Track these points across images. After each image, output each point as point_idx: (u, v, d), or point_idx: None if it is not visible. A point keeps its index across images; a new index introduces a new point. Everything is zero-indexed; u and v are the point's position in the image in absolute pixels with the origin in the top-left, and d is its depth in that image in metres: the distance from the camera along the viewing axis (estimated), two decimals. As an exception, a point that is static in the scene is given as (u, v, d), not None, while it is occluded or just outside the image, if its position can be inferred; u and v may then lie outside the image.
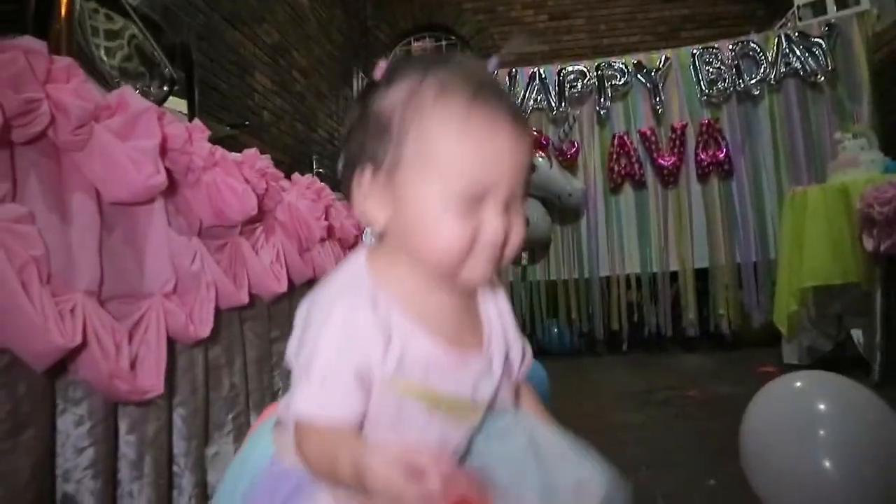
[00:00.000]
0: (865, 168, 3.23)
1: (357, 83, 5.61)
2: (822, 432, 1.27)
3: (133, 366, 1.07)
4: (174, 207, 1.29)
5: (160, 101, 1.69)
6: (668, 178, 4.43)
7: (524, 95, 4.65)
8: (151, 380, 1.10)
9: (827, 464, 1.23)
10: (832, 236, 3.08)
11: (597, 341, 4.59)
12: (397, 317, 0.64)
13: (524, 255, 4.56)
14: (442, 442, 0.67)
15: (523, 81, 4.69)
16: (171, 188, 1.25)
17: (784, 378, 1.48)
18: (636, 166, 4.47)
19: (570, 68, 4.65)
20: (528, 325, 4.62)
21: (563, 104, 4.59)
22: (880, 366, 2.80)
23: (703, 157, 4.39)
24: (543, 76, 4.65)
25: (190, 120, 1.90)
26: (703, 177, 4.40)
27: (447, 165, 0.61)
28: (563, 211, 4.55)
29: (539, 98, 4.64)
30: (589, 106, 4.62)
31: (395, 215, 0.65)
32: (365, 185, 0.65)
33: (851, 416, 1.28)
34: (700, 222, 4.41)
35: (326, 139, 5.05)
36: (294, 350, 0.65)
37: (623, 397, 2.86)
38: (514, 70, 4.73)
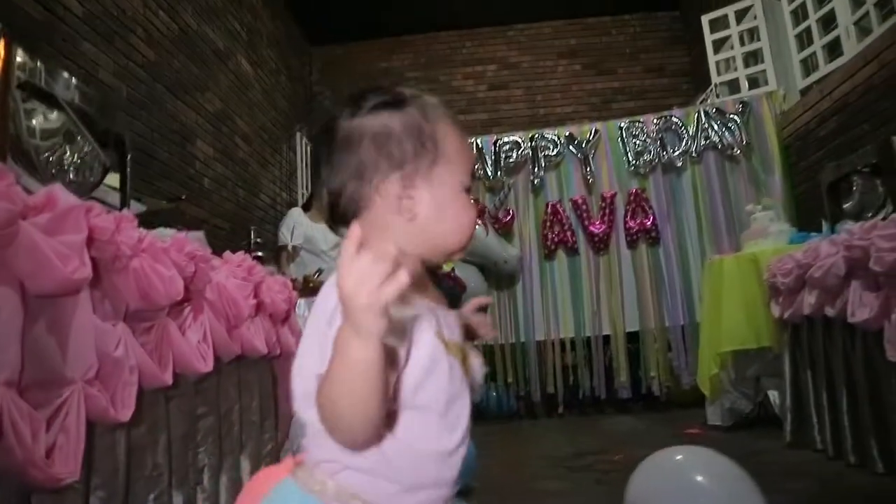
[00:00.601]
0: (773, 239, 3.48)
1: (301, 148, 5.72)
2: (695, 499, 1.37)
3: (49, 453, 1.10)
4: (101, 293, 1.34)
5: (95, 186, 1.76)
6: (599, 244, 4.63)
7: (462, 164, 4.82)
8: (68, 466, 1.13)
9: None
10: (746, 303, 3.29)
11: (534, 404, 4.67)
12: None
13: (463, 318, 4.65)
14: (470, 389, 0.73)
15: (462, 150, 4.87)
16: (98, 275, 1.30)
17: (662, 452, 1.59)
18: (569, 233, 4.66)
19: (505, 139, 4.87)
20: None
21: (499, 173, 4.79)
22: (791, 426, 2.96)
23: (631, 224, 4.62)
24: (480, 145, 4.85)
25: (122, 200, 1.95)
26: (631, 243, 4.63)
27: (464, 162, 0.79)
28: (499, 277, 4.69)
29: (476, 167, 4.83)
30: (523, 175, 4.84)
31: (430, 207, 0.75)
32: (396, 189, 0.74)
33: (720, 486, 1.40)
34: (630, 287, 4.61)
35: (269, 204, 5.11)
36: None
37: (552, 463, 2.93)
38: (452, 139, 4.91)
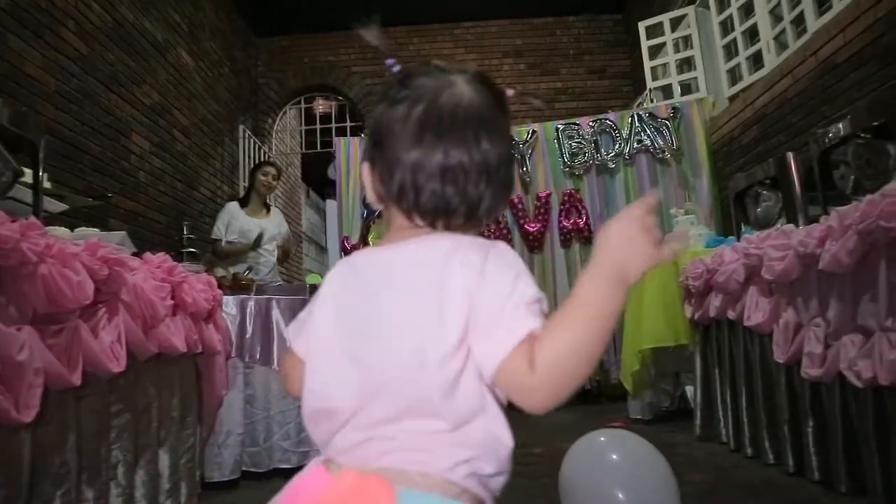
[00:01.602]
0: (693, 242, 3.66)
1: (244, 141, 5.71)
2: (617, 474, 1.54)
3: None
4: (6, 298, 1.38)
5: (5, 191, 1.79)
6: (534, 243, 4.77)
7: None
8: (-33, 467, 1.18)
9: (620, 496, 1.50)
10: (665, 303, 3.45)
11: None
12: None
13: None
14: None
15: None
16: (2, 282, 1.35)
17: (590, 434, 1.75)
18: (504, 231, 4.79)
19: (446, 137, 4.95)
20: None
21: (440, 170, 4.88)
22: (700, 420, 3.14)
23: (565, 224, 4.77)
24: (422, 143, 4.93)
25: (34, 204, 1.98)
26: (565, 242, 4.78)
27: None
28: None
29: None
30: (464, 173, 4.93)
31: None
32: None
33: (640, 465, 1.58)
34: (563, 284, 4.76)
35: (209, 197, 5.10)
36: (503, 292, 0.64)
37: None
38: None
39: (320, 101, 6.99)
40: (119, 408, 1.81)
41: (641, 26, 5.38)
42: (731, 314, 2.65)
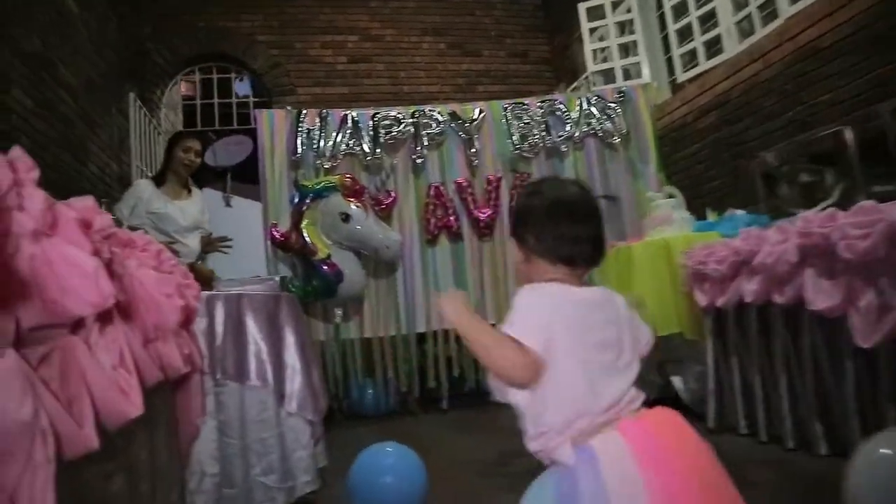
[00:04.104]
0: (679, 226, 3.45)
1: (134, 112, 4.82)
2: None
3: None
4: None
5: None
6: (484, 230, 4.39)
7: (336, 139, 4.33)
8: None
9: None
10: (657, 289, 3.21)
11: (418, 400, 4.33)
12: None
13: (338, 312, 4.18)
14: None
15: (334, 123, 4.37)
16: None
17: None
18: (452, 218, 4.36)
19: (383, 113, 4.44)
20: (341, 386, 4.22)
21: (378, 150, 4.36)
22: (715, 412, 2.93)
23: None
24: (356, 119, 4.38)
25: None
26: (517, 230, 4.43)
27: None
28: (377, 264, 4.27)
29: (352, 143, 4.36)
30: (404, 154, 4.45)
31: None
32: None
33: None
34: (514, 275, 4.42)
35: (98, 176, 4.21)
36: None
37: (486, 470, 2.62)
38: (324, 111, 4.40)
39: (214, 72, 6.14)
40: (111, 468, 1.19)
41: (582, 7, 5.16)
42: (777, 298, 2.42)
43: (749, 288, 2.56)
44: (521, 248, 1.18)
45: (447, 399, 4.32)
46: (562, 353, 1.05)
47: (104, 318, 1.12)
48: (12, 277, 0.76)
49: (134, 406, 1.06)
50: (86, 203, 1.03)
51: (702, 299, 2.90)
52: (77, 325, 1.03)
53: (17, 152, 0.78)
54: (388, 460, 2.00)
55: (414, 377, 4.32)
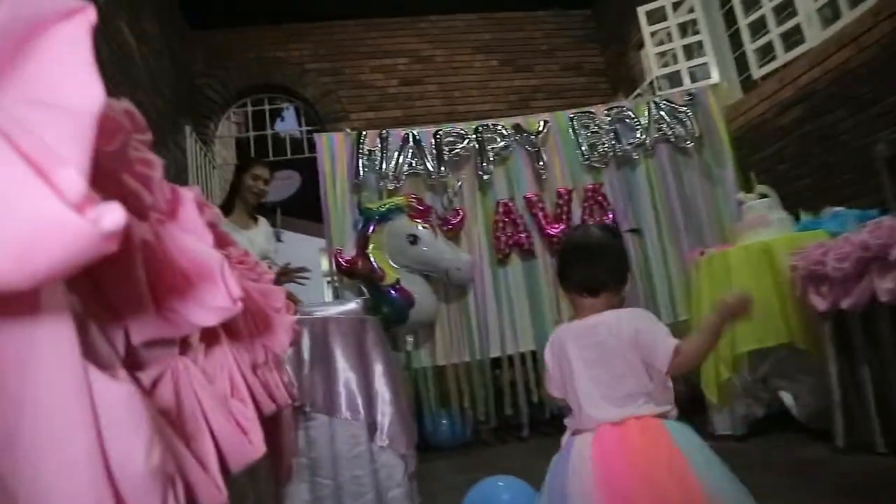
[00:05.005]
0: (777, 227, 3.18)
1: (191, 145, 4.77)
2: None
3: None
4: (82, 299, 0.58)
5: None
6: (558, 246, 4.16)
7: (398, 159, 4.19)
8: None
9: None
10: (760, 297, 2.91)
11: (495, 429, 4.09)
12: None
13: (409, 339, 3.98)
14: None
15: (396, 144, 4.23)
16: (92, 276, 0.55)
17: None
18: (523, 235, 4.15)
19: (446, 129, 4.29)
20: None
21: (443, 168, 4.20)
22: (843, 430, 2.61)
23: (590, 222, 4.19)
24: (418, 138, 4.24)
25: None
26: (593, 243, 4.19)
27: None
28: (448, 286, 4.07)
29: (415, 162, 4.21)
30: (469, 171, 4.27)
31: None
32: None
33: None
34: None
35: (159, 209, 4.14)
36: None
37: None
38: (384, 131, 4.27)
39: (266, 104, 6.11)
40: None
41: (641, 11, 4.96)
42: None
43: (884, 286, 2.27)
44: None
45: (528, 427, 4.06)
46: None
47: (209, 335, 0.94)
48: (131, 274, 0.58)
49: (255, 446, 0.87)
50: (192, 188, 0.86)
51: (820, 304, 2.61)
52: (182, 344, 0.85)
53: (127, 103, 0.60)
54: (504, 496, 1.78)
55: (490, 405, 4.08)
